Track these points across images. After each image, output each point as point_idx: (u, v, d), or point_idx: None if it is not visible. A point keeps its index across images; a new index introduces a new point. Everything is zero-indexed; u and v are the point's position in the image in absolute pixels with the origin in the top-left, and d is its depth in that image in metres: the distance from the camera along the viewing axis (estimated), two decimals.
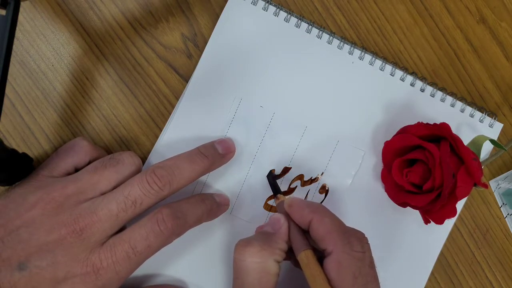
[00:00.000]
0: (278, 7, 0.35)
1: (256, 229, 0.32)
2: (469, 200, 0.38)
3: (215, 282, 0.35)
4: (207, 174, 0.35)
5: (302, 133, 0.36)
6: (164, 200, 0.30)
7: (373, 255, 0.29)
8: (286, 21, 0.35)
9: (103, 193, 0.29)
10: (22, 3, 0.33)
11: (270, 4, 0.35)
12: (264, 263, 0.28)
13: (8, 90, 0.34)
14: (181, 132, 0.35)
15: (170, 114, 0.35)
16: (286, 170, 0.35)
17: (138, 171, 0.31)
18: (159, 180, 0.29)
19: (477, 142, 0.34)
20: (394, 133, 0.35)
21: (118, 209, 0.28)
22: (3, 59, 0.24)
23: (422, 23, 0.38)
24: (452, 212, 0.32)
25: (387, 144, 0.35)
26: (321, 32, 0.36)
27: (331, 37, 0.36)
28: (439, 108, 0.37)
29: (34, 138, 0.34)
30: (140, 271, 0.33)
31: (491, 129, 0.37)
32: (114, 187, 0.29)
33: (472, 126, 0.37)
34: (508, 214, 0.38)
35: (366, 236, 0.29)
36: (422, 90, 0.37)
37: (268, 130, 0.35)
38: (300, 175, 0.36)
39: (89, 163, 0.32)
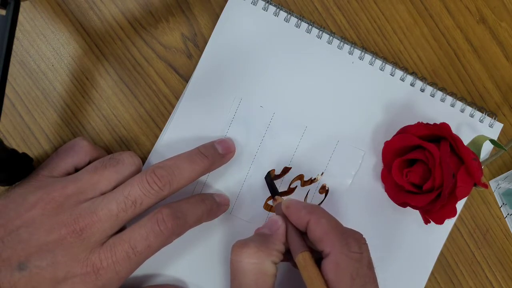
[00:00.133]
0: (278, 7, 0.35)
1: (255, 231, 0.32)
2: (469, 200, 0.38)
3: (215, 282, 0.35)
4: (207, 174, 0.35)
5: (302, 133, 0.36)
6: (164, 200, 0.30)
7: (373, 255, 0.28)
8: (286, 21, 0.35)
9: (103, 193, 0.29)
10: (22, 3, 0.33)
11: (270, 4, 0.35)
12: (260, 264, 0.28)
13: (8, 90, 0.34)
14: (181, 132, 0.35)
15: (170, 114, 0.35)
16: (286, 170, 0.35)
17: (138, 171, 0.31)
18: (159, 180, 0.29)
19: (477, 142, 0.34)
20: (394, 133, 0.35)
21: (118, 209, 0.28)
22: (3, 59, 0.24)
23: (422, 23, 0.38)
24: (452, 212, 0.32)
25: (387, 144, 0.35)
26: (321, 32, 0.36)
27: (331, 37, 0.36)
28: (439, 108, 0.37)
29: (34, 138, 0.34)
30: (140, 271, 0.33)
31: (491, 129, 0.37)
32: (114, 187, 0.29)
33: (472, 126, 0.37)
34: (508, 214, 0.38)
35: (364, 236, 0.29)
36: (422, 90, 0.37)
37: (268, 130, 0.35)
38: (300, 175, 0.36)
39: (89, 163, 0.32)
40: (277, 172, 0.35)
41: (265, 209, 0.35)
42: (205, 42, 0.35)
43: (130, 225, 0.29)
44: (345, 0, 0.37)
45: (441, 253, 0.37)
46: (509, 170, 0.38)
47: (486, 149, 0.37)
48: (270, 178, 0.34)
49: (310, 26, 0.36)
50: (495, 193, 0.38)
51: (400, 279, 0.36)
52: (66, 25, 0.34)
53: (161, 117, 0.35)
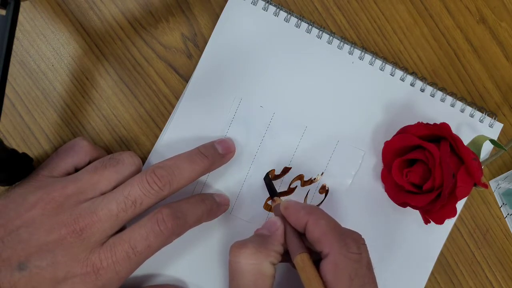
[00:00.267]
0: (278, 7, 0.35)
1: (254, 232, 0.32)
2: (469, 200, 0.38)
3: (215, 282, 0.35)
4: (207, 174, 0.35)
5: (302, 133, 0.36)
6: (164, 200, 0.30)
7: (373, 255, 0.28)
8: (286, 21, 0.35)
9: (103, 193, 0.29)
10: (22, 3, 0.33)
11: (270, 4, 0.35)
12: (259, 265, 0.28)
13: (8, 90, 0.34)
14: (181, 132, 0.35)
15: (170, 114, 0.35)
16: (286, 170, 0.35)
17: (138, 171, 0.31)
18: (159, 180, 0.29)
19: (477, 142, 0.34)
20: (394, 133, 0.35)
21: (118, 209, 0.28)
22: (3, 59, 0.24)
23: (422, 23, 0.38)
24: (452, 212, 0.32)
25: (387, 144, 0.35)
26: (321, 32, 0.36)
27: (331, 37, 0.36)
28: (439, 108, 0.37)
29: (34, 138, 0.34)
30: (140, 271, 0.33)
31: (491, 129, 0.37)
32: (114, 187, 0.29)
33: (472, 126, 0.37)
34: (508, 214, 0.38)
35: (363, 237, 0.29)
36: (422, 90, 0.37)
37: (268, 130, 0.35)
38: (300, 175, 0.36)
39: (89, 163, 0.32)
40: (277, 172, 0.35)
41: (265, 209, 0.35)
42: (205, 42, 0.35)
43: (130, 225, 0.29)
44: (345, 0, 0.37)
45: (441, 253, 0.37)
46: (509, 170, 0.38)
47: (486, 149, 0.37)
48: (269, 179, 0.34)
49: (310, 26, 0.36)
50: (495, 193, 0.38)
51: (400, 279, 0.36)
52: (66, 25, 0.34)
53: (161, 117, 0.35)
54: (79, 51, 0.35)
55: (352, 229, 0.29)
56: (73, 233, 0.27)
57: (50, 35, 0.34)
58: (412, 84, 0.37)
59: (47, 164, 0.31)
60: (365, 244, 0.28)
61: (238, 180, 0.35)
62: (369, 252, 0.28)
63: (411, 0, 0.38)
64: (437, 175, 0.32)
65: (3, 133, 0.34)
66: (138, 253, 0.28)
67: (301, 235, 0.30)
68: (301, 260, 0.28)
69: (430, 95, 0.37)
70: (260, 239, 0.29)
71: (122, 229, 0.29)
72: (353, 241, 0.28)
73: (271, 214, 0.35)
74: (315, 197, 0.36)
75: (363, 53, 0.36)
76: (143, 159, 0.35)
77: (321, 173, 0.36)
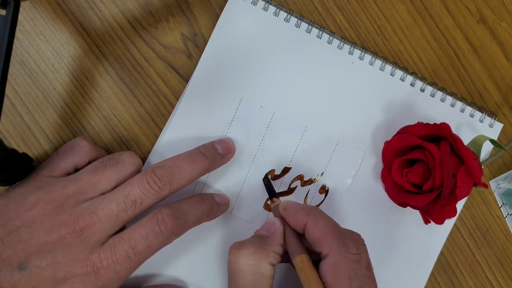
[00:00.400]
0: (278, 7, 0.35)
1: (254, 233, 0.32)
2: (469, 200, 0.38)
3: (215, 282, 0.35)
4: (207, 174, 0.35)
5: (302, 133, 0.36)
6: (164, 200, 0.30)
7: (373, 255, 0.28)
8: (286, 21, 0.35)
9: (103, 193, 0.29)
10: (22, 3, 0.33)
11: (270, 4, 0.35)
12: (258, 265, 0.27)
13: (8, 90, 0.34)
14: (181, 132, 0.35)
15: (170, 114, 0.35)
16: (286, 170, 0.35)
17: (138, 171, 0.31)
18: (159, 180, 0.29)
19: (477, 142, 0.34)
20: (394, 133, 0.35)
21: (118, 209, 0.28)
22: (3, 59, 0.24)
23: (422, 23, 0.38)
24: (452, 212, 0.32)
25: (387, 144, 0.35)
26: (321, 32, 0.36)
27: (331, 37, 0.36)
28: (439, 108, 0.37)
29: (34, 138, 0.34)
30: (140, 271, 0.33)
31: (491, 129, 0.37)
32: (114, 187, 0.29)
33: (472, 126, 0.37)
34: (508, 214, 0.38)
35: (363, 237, 0.29)
36: (422, 90, 0.37)
37: (268, 130, 0.35)
38: (300, 175, 0.36)
39: (89, 163, 0.32)
40: (277, 172, 0.35)
41: (265, 209, 0.35)
42: (205, 42, 0.35)
43: (130, 225, 0.29)
44: (345, 0, 0.37)
45: (441, 253, 0.37)
46: (509, 170, 0.38)
47: (486, 149, 0.37)
48: (268, 180, 0.34)
49: (310, 26, 0.36)
50: (495, 193, 0.38)
51: (400, 279, 0.36)
52: (66, 25, 0.34)
53: (161, 117, 0.35)
54: (79, 51, 0.35)
55: (352, 229, 0.29)
56: (73, 233, 0.27)
57: (50, 35, 0.34)
58: (412, 84, 0.37)
59: (47, 164, 0.31)
60: (365, 245, 0.28)
61: (238, 180, 0.35)
62: (369, 252, 0.28)
63: (411, 0, 0.38)
64: (437, 175, 0.32)
65: (3, 133, 0.34)
66: (138, 253, 0.28)
67: (301, 236, 0.30)
68: (301, 261, 0.28)
69: (430, 95, 0.37)
70: (259, 239, 0.29)
71: (122, 229, 0.29)
72: (353, 242, 0.28)
73: (271, 214, 0.35)
74: (315, 197, 0.36)
75: (363, 53, 0.36)
76: (143, 159, 0.35)
77: (321, 173, 0.36)
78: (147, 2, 0.35)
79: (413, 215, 0.36)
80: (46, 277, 0.27)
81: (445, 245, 0.37)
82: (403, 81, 0.36)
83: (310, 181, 0.36)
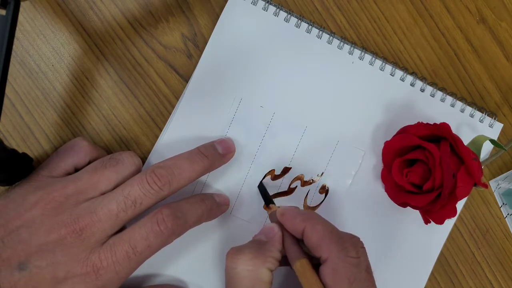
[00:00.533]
0: (278, 7, 0.35)
1: (252, 238, 0.32)
2: (469, 200, 0.38)
3: (215, 282, 0.35)
4: (207, 174, 0.35)
5: (302, 133, 0.36)
6: (164, 200, 0.30)
7: (373, 255, 0.28)
8: (286, 21, 0.35)
9: (103, 193, 0.29)
10: (22, 3, 0.33)
11: (270, 4, 0.35)
12: (256, 271, 0.27)
13: (8, 90, 0.34)
14: (181, 132, 0.35)
15: (170, 114, 0.35)
16: (286, 170, 0.35)
17: (138, 171, 0.31)
18: (159, 180, 0.29)
19: (477, 142, 0.34)
20: (394, 133, 0.35)
21: (118, 209, 0.28)
22: (3, 59, 0.24)
23: (422, 23, 0.38)
24: (452, 212, 0.32)
25: (387, 144, 0.35)
26: (321, 32, 0.36)
27: (331, 37, 0.36)
28: (439, 108, 0.37)
29: (34, 138, 0.34)
30: (140, 271, 0.33)
31: (491, 129, 0.37)
32: (114, 187, 0.30)
33: (472, 126, 0.37)
34: (508, 214, 0.38)
35: (362, 239, 0.29)
36: (422, 90, 0.37)
37: (268, 130, 0.35)
38: (300, 175, 0.36)
39: (89, 163, 0.32)
40: (277, 172, 0.35)
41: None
42: (205, 42, 0.35)
43: (130, 225, 0.29)
44: (345, 0, 0.37)
45: (441, 253, 0.37)
46: (509, 170, 0.38)
47: (486, 149, 0.37)
48: (263, 187, 0.34)
49: (310, 26, 0.36)
50: (495, 193, 0.38)
51: (400, 279, 0.36)
52: (66, 25, 0.34)
53: (161, 117, 0.35)
54: (79, 51, 0.35)
55: (352, 230, 0.29)
56: (73, 233, 0.27)
57: (50, 35, 0.34)
58: (412, 84, 0.37)
59: (47, 164, 0.31)
60: (364, 248, 0.28)
61: (238, 180, 0.35)
62: (369, 252, 0.28)
63: (411, 0, 0.38)
64: (437, 175, 0.32)
65: (3, 133, 0.34)
66: (138, 253, 0.28)
67: (299, 241, 0.30)
68: (301, 265, 0.27)
69: (430, 95, 0.37)
70: (257, 245, 0.29)
71: (122, 229, 0.29)
72: (352, 245, 0.28)
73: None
74: (315, 197, 0.36)
75: (363, 53, 0.36)
76: (143, 159, 0.35)
77: (321, 173, 0.36)
78: (147, 2, 0.35)
79: (413, 215, 0.36)
80: (46, 277, 0.27)
81: (445, 245, 0.37)
82: (403, 81, 0.36)
83: (310, 181, 0.36)
